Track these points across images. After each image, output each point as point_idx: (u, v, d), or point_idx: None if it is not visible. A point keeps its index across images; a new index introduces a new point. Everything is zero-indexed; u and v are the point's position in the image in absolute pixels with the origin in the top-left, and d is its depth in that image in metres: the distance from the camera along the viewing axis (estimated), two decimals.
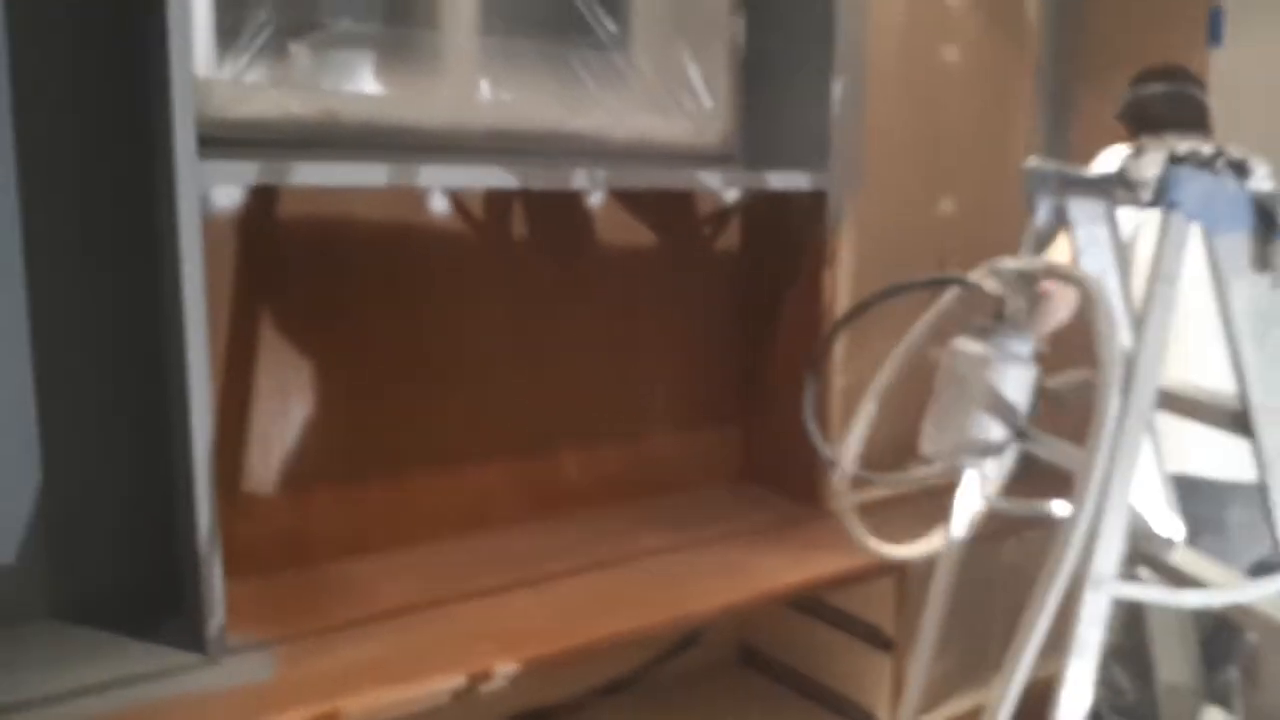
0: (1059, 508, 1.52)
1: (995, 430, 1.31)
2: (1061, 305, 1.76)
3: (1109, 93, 2.49)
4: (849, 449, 1.50)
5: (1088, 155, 2.59)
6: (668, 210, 2.32)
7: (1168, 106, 1.99)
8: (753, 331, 2.43)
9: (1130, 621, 1.78)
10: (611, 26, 2.09)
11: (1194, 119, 1.99)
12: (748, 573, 1.96)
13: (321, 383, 1.90)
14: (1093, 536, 1.14)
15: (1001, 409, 1.31)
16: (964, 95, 2.38)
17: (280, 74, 1.79)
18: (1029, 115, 2.55)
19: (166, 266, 1.56)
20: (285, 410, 1.88)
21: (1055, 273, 1.26)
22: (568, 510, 2.23)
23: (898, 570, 2.10)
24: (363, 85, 1.86)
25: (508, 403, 2.13)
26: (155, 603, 1.72)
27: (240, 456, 1.84)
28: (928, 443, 1.36)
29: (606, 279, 2.24)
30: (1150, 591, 1.18)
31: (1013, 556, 2.36)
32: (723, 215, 2.40)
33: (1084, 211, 1.38)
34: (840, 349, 2.27)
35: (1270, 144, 1.97)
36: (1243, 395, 1.18)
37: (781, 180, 2.12)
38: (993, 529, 1.81)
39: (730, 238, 2.41)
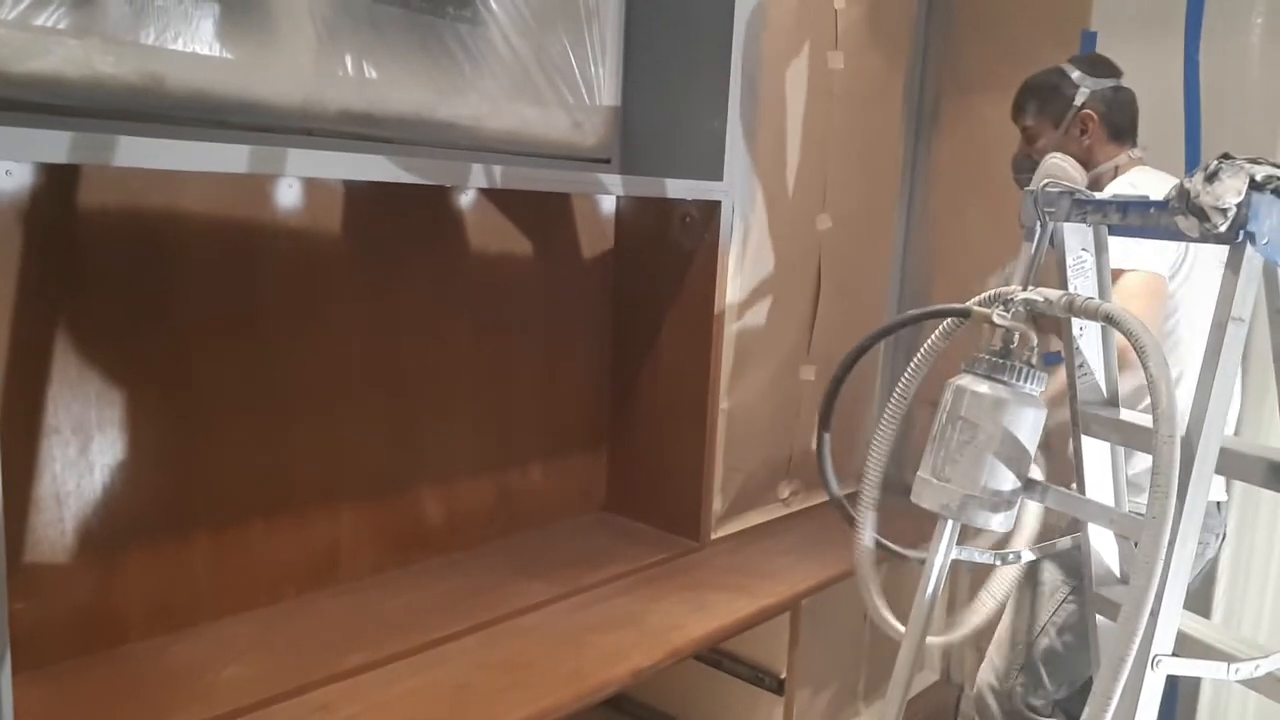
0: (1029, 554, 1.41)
1: (1008, 480, 1.18)
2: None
3: (974, 110, 2.49)
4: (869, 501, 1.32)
5: (948, 172, 2.58)
6: (541, 216, 2.06)
7: (1134, 113, 1.87)
8: (625, 351, 2.21)
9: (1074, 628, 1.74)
10: (492, 3, 1.80)
11: (1135, 128, 1.91)
12: (647, 625, 1.74)
13: (133, 418, 1.50)
14: (1154, 614, 1.03)
15: (1015, 456, 1.17)
16: (846, 105, 2.28)
17: (85, 21, 1.38)
18: (897, 128, 2.49)
19: None
20: (85, 454, 1.46)
21: (1081, 309, 1.14)
22: (427, 557, 1.93)
23: (793, 608, 1.97)
24: (197, 45, 1.48)
25: (359, 434, 1.79)
26: None
27: (24, 516, 1.41)
28: (930, 494, 1.20)
29: (472, 292, 1.95)
30: (1203, 666, 1.08)
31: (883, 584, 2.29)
32: (598, 223, 2.17)
33: (1075, 235, 1.28)
34: (725, 373, 2.11)
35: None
36: None
37: (681, 189, 1.91)
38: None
39: (604, 248, 2.19)
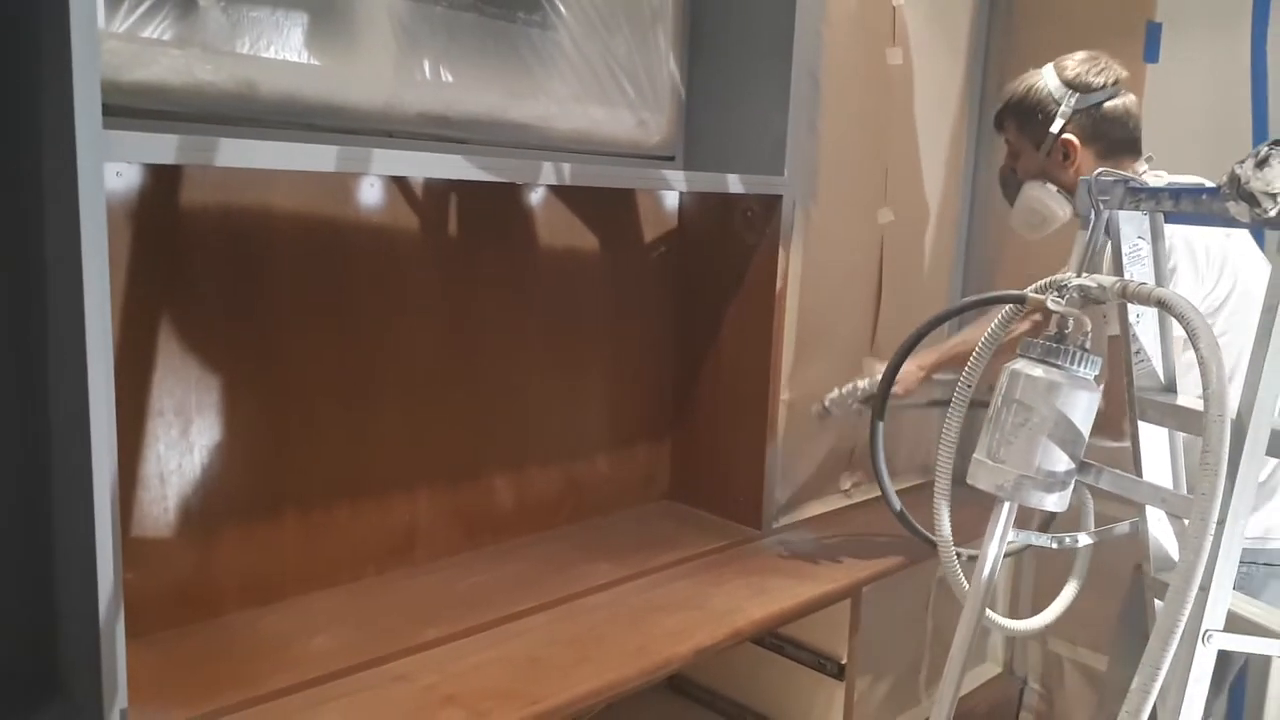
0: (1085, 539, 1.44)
1: (1061, 461, 1.21)
2: None
3: None
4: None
5: None
6: (607, 213, 2.13)
7: (1131, 124, 1.70)
8: (688, 343, 2.27)
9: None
10: (561, 7, 1.88)
11: (1136, 141, 1.74)
12: (710, 607, 1.80)
13: (228, 403, 1.60)
14: (1204, 589, 1.06)
15: (1069, 438, 1.20)
16: (906, 100, 2.31)
17: (186, 33, 1.48)
18: (959, 124, 2.52)
19: (55, 264, 1.24)
20: (186, 435, 1.57)
21: (1134, 294, 1.17)
22: (500, 540, 2.01)
23: (854, 595, 2.00)
24: (288, 53, 1.58)
25: (436, 422, 1.88)
26: (21, 686, 1.38)
27: (130, 493, 1.52)
28: (985, 475, 1.24)
29: (542, 287, 2.03)
30: (1257, 643, 1.11)
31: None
32: (662, 219, 2.24)
33: (1130, 223, 1.31)
34: (786, 365, 2.15)
35: (1206, 161, 1.98)
36: None
37: (743, 183, 1.97)
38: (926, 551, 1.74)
39: (668, 243, 2.25)
